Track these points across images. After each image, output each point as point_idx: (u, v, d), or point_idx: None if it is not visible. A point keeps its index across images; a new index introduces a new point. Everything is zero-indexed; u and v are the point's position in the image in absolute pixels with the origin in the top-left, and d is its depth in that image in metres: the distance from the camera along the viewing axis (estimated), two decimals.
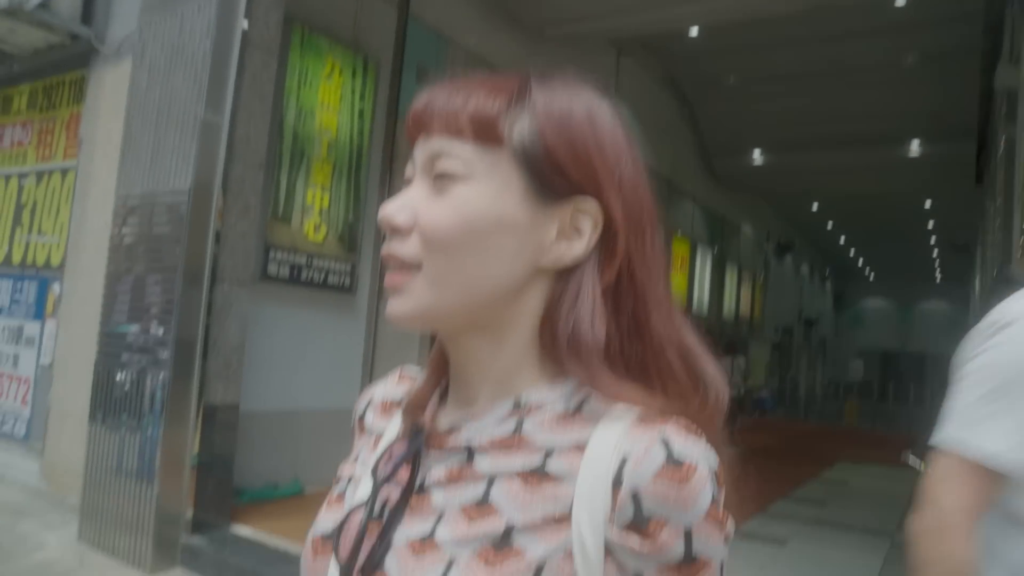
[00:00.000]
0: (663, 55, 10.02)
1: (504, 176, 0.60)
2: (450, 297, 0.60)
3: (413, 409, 0.67)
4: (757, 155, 13.57)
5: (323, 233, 5.43)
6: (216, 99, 4.21)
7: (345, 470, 0.73)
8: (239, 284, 4.37)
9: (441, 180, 0.60)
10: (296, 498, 5.02)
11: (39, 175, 5.94)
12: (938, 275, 27.36)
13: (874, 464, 10.00)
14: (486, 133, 0.60)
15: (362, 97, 5.68)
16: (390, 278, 0.61)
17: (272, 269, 5.06)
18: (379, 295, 5.84)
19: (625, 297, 0.61)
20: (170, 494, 4.05)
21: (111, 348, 4.43)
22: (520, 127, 0.60)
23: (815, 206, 18.36)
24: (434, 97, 0.62)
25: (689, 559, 0.53)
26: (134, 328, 4.32)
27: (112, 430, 4.30)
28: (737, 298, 16.23)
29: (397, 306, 0.61)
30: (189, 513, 4.14)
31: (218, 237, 4.25)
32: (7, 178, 6.28)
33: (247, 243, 4.44)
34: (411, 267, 0.60)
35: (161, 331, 4.16)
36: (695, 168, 13.29)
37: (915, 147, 12.16)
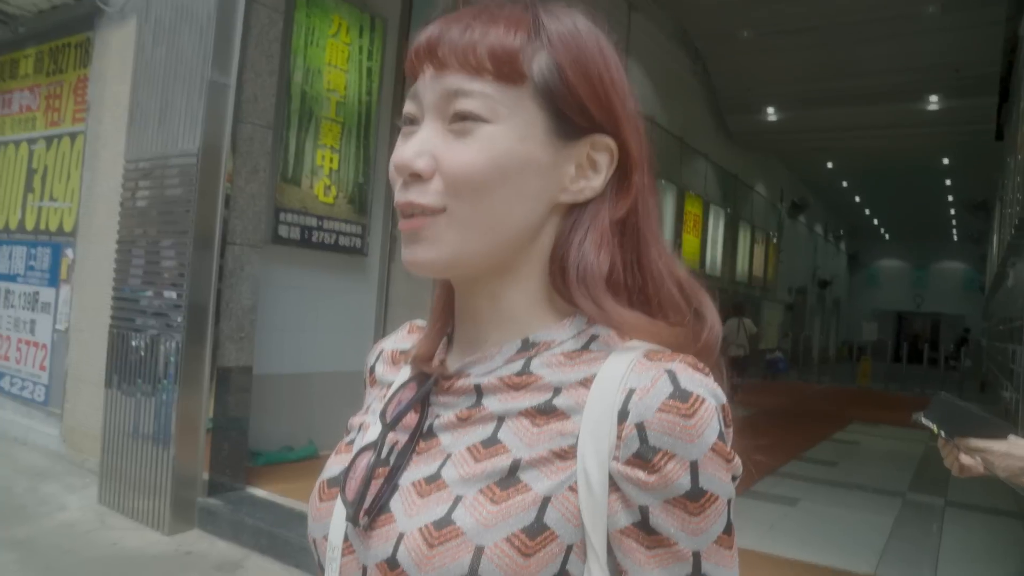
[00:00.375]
0: (675, 9, 9.79)
1: (527, 114, 0.58)
2: (477, 241, 0.58)
3: (421, 355, 0.67)
4: (771, 112, 13.35)
5: (333, 195, 5.39)
6: (223, 59, 4.16)
7: (355, 421, 0.72)
8: (250, 247, 4.36)
9: (461, 121, 0.57)
10: (310, 460, 5.06)
11: (48, 140, 5.92)
12: (954, 234, 27.07)
13: (887, 425, 10.01)
14: (508, 70, 0.57)
15: (370, 56, 5.60)
16: (409, 223, 0.58)
17: (283, 231, 5.04)
18: (390, 257, 5.82)
19: (629, 230, 0.62)
20: (186, 457, 4.10)
21: (125, 313, 4.45)
22: (539, 62, 0.58)
23: (830, 164, 18.13)
24: (446, 29, 0.58)
25: (695, 493, 0.52)
26: (147, 293, 4.34)
27: (128, 395, 4.34)
28: (750, 258, 16.11)
29: (420, 253, 0.58)
30: (205, 476, 4.19)
31: (228, 200, 4.23)
32: (17, 144, 6.27)
33: (257, 205, 4.41)
34: (433, 213, 0.58)
35: (174, 295, 4.17)
36: (708, 126, 13.10)
37: (934, 102, 11.91)
